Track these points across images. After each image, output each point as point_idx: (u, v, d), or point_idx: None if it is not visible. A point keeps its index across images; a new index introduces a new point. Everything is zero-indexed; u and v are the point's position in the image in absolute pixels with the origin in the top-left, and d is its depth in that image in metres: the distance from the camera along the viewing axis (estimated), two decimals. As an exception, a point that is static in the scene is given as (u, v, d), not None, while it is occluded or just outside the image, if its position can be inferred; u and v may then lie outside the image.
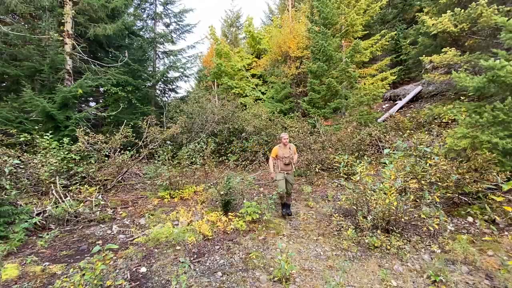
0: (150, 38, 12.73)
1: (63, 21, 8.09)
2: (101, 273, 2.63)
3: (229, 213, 4.48)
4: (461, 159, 4.35)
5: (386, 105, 12.21)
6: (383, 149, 6.77)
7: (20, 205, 4.21)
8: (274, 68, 14.67)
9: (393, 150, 4.60)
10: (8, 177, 4.28)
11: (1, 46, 7.57)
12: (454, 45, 6.88)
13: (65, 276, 2.81)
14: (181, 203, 5.34)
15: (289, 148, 4.65)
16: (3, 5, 7.37)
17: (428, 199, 3.56)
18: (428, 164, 4.22)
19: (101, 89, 10.63)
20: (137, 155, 6.79)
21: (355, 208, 4.16)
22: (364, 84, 10.09)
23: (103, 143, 6.26)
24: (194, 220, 4.34)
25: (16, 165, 4.79)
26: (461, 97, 5.89)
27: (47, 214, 4.26)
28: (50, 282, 2.76)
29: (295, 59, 14.07)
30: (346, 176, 5.11)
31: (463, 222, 4.00)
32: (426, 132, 6.69)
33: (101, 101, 11.44)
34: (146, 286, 2.75)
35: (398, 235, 3.57)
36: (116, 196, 5.85)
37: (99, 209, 4.81)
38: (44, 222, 4.17)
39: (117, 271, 2.99)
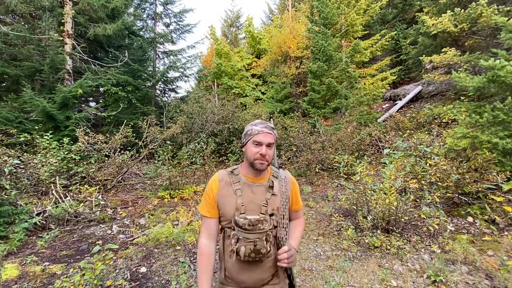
0: (150, 38, 12.73)
1: (63, 21, 8.09)
2: (101, 273, 2.63)
3: (229, 213, 4.47)
4: (461, 159, 4.35)
5: (386, 105, 12.21)
6: (383, 149, 6.78)
7: (20, 205, 4.21)
8: (274, 68, 14.67)
9: (393, 150, 4.60)
10: (8, 177, 4.29)
11: (1, 46, 7.57)
12: (454, 45, 6.90)
13: (65, 276, 2.81)
14: (181, 203, 5.34)
15: (269, 188, 1.21)
16: (3, 5, 7.37)
17: (428, 199, 3.56)
18: (428, 164, 4.21)
19: (101, 89, 10.65)
20: (137, 155, 6.79)
21: (355, 208, 4.16)
22: (364, 84, 10.09)
23: (103, 143, 6.26)
24: (194, 220, 4.34)
25: (16, 165, 4.79)
26: (461, 97, 5.89)
27: (47, 214, 4.26)
28: (50, 282, 2.76)
29: (295, 59, 14.07)
30: (346, 176, 5.12)
31: (463, 222, 4.00)
32: (426, 132, 6.68)
33: (101, 101, 11.44)
34: (146, 286, 2.75)
35: (398, 235, 3.57)
36: (116, 196, 5.85)
37: (99, 209, 4.81)
38: (44, 222, 4.16)
39: (117, 271, 2.99)
